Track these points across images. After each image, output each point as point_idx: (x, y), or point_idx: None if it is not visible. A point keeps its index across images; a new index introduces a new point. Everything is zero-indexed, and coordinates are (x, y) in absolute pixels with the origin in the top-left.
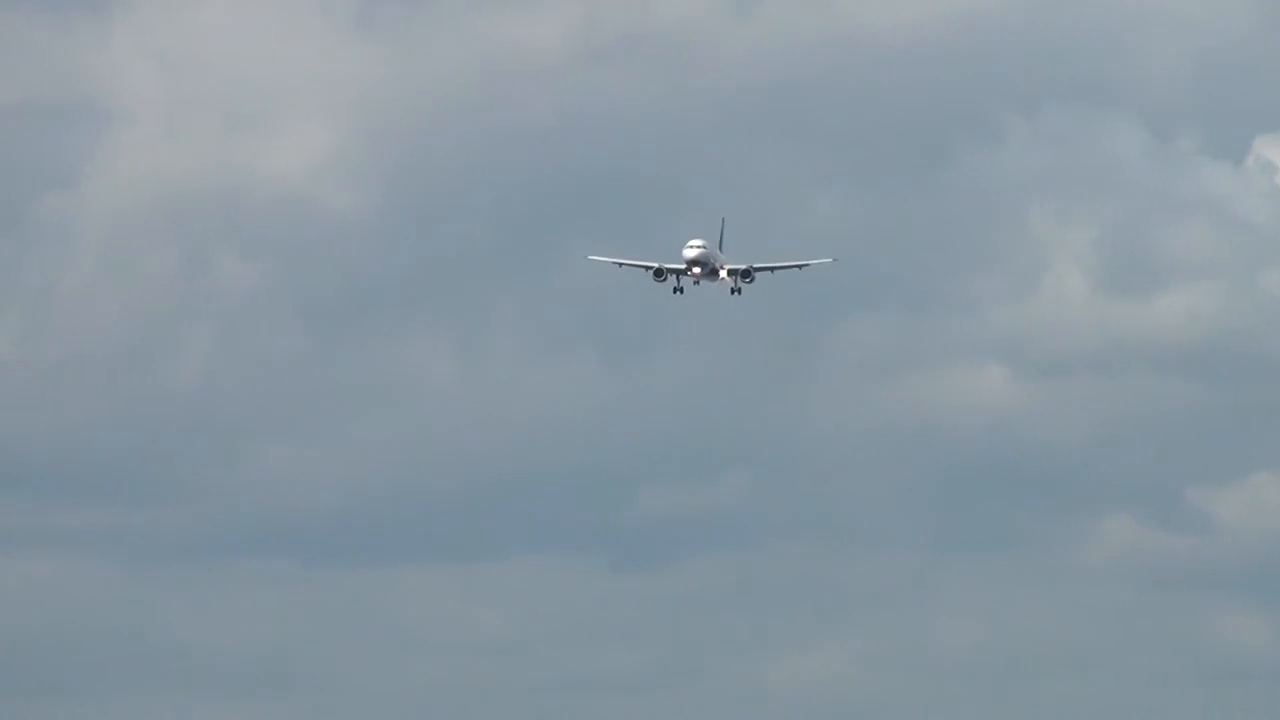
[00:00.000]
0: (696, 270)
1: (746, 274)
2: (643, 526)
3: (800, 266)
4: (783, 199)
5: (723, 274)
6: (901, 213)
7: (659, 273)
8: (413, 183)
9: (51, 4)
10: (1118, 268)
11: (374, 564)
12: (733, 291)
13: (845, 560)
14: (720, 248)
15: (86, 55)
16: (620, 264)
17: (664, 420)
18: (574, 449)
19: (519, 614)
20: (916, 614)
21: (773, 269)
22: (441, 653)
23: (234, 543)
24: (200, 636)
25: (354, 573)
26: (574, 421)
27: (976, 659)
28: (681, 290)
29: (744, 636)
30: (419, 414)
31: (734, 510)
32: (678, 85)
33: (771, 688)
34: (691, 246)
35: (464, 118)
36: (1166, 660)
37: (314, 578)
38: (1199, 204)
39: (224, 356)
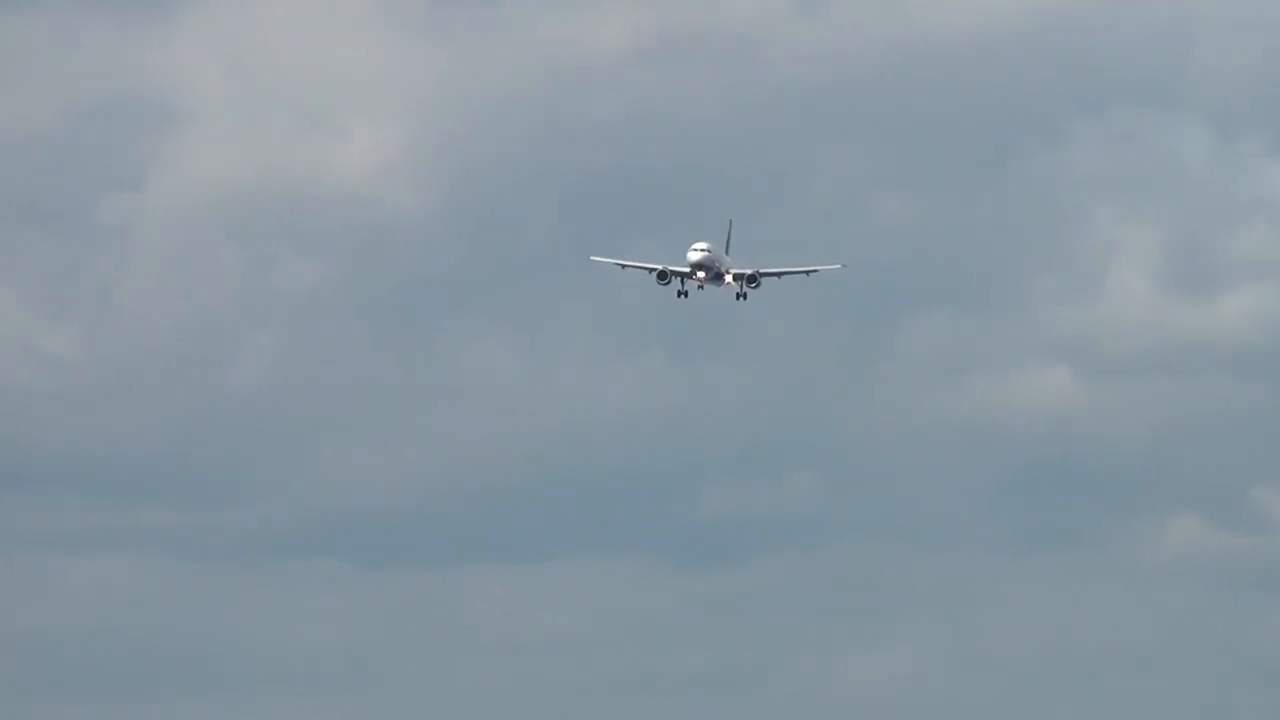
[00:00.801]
0: (701, 274)
1: (752, 279)
2: (707, 527)
3: (808, 272)
4: (846, 199)
5: (728, 278)
6: (965, 213)
7: (662, 275)
8: (477, 183)
9: (117, 4)
10: (1182, 268)
11: (435, 565)
12: (738, 296)
13: (910, 561)
14: (727, 250)
15: (152, 56)
16: (624, 265)
17: (729, 420)
18: (638, 449)
19: (582, 614)
20: (980, 615)
21: (779, 274)
22: (503, 653)
23: (295, 543)
24: (260, 637)
25: (416, 573)
26: (639, 421)
27: (1041, 659)
28: (685, 294)
29: (808, 637)
30: (481, 414)
31: (799, 511)
32: (742, 85)
33: (836, 688)
34: (696, 249)
35: (529, 118)
36: (1231, 661)
37: (376, 578)
38: (1263, 204)
39: (286, 357)
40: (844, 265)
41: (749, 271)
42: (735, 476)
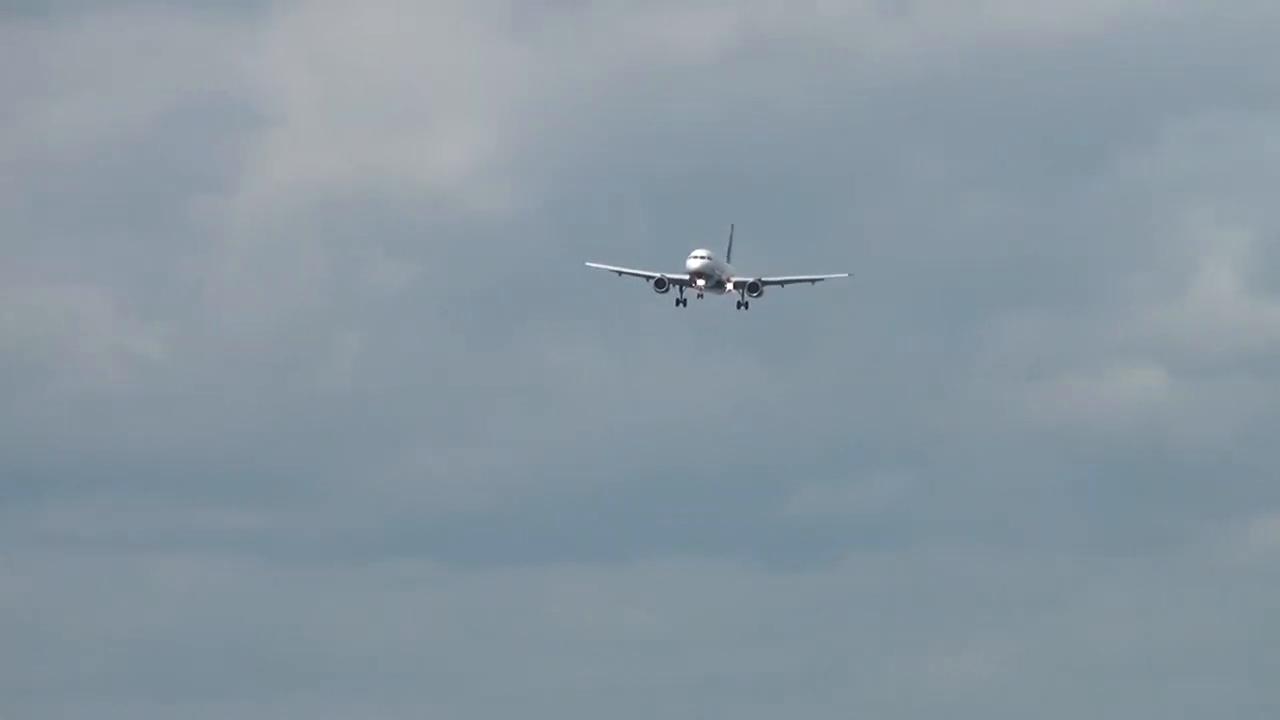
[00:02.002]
0: (701, 282)
1: (754, 287)
2: (795, 527)
3: (813, 281)
4: (935, 199)
5: (729, 286)
6: (1055, 213)
7: (660, 283)
8: (567, 184)
9: (207, 7)
10: (1272, 268)
11: (525, 565)
12: (739, 305)
13: (999, 561)
14: (728, 258)
15: (242, 58)
16: (620, 272)
17: (818, 420)
18: (726, 449)
19: (668, 615)
20: (1069, 615)
21: (782, 283)
22: (592, 654)
23: (381, 544)
24: (345, 637)
25: (502, 574)
26: (726, 421)
27: (1130, 660)
28: (684, 302)
29: (895, 638)
30: (570, 414)
31: (888, 511)
32: (832, 85)
33: (923, 689)
34: (695, 257)
35: (618, 118)
36: None
37: (462, 579)
38: None
39: (374, 358)
40: (850, 274)
41: (751, 280)
42: (823, 477)
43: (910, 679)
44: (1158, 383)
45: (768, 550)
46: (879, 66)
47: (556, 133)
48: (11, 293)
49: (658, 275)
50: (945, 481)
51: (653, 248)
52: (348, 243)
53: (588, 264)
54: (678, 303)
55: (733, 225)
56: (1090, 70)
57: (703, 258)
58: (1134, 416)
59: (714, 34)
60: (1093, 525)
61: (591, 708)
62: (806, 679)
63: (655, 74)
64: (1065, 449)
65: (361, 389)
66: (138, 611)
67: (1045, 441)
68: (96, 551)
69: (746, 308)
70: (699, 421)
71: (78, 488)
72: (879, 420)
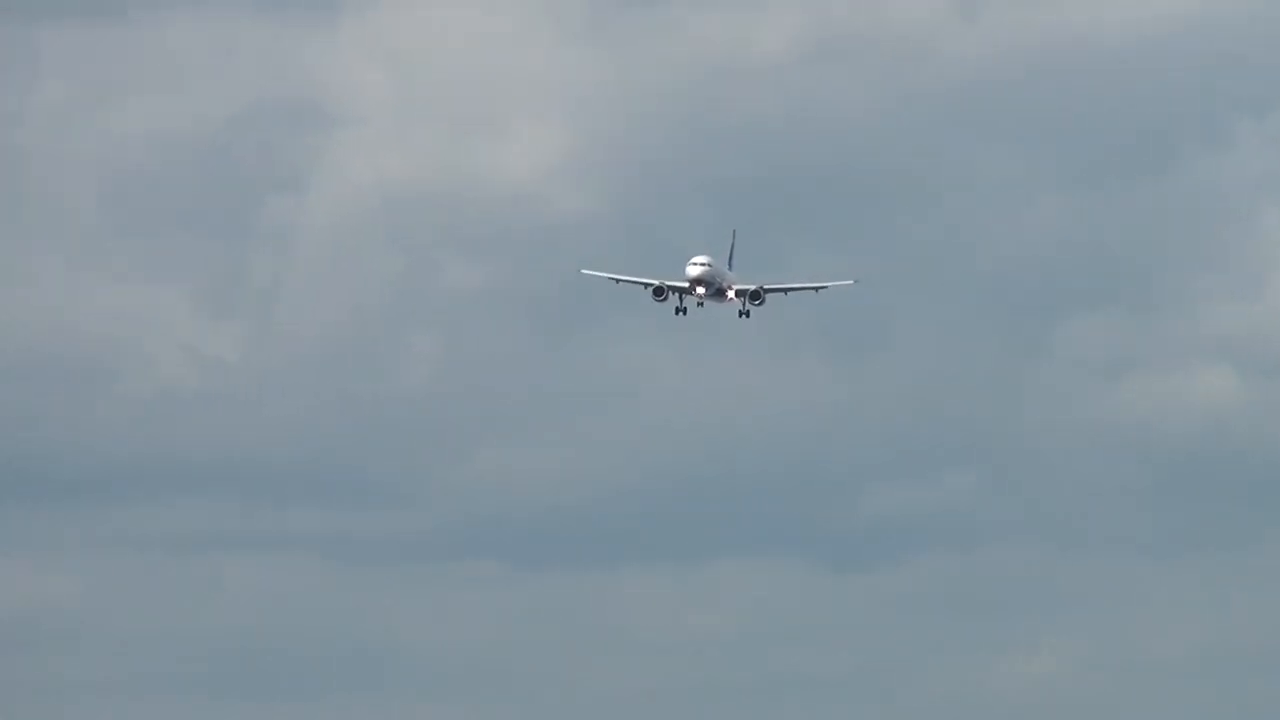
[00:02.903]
0: (701, 290)
1: (755, 295)
2: (862, 528)
3: (817, 288)
4: (1005, 200)
5: (730, 294)
6: (1126, 213)
7: (659, 291)
8: (639, 184)
9: (280, 7)
10: None
11: (593, 565)
12: (741, 314)
13: (1065, 561)
14: (730, 265)
15: (315, 59)
16: (617, 280)
17: (887, 421)
18: (794, 449)
19: (737, 615)
20: (1138, 615)
21: (785, 290)
22: (660, 654)
23: (454, 544)
24: (418, 638)
25: (573, 574)
26: (794, 421)
27: (1196, 660)
28: (684, 311)
29: (964, 637)
30: (639, 415)
31: (955, 511)
32: (902, 85)
33: (991, 689)
34: (695, 263)
35: (690, 119)
36: None
37: (533, 579)
38: None
39: (447, 359)
40: (856, 281)
41: (752, 287)
42: (891, 478)
43: (978, 680)
44: (1228, 383)
45: (835, 551)
46: (948, 67)
47: (628, 133)
48: (85, 293)
49: (656, 283)
50: (1013, 482)
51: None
52: (420, 243)
53: (583, 271)
54: (677, 311)
55: (734, 231)
56: (1162, 70)
57: (703, 264)
58: (1204, 417)
59: (784, 35)
60: (1162, 526)
61: (658, 709)
62: (873, 680)
63: (726, 75)
64: (1135, 449)
65: (433, 390)
66: (206, 612)
67: (1115, 442)
68: (167, 552)
69: (748, 316)
70: (767, 423)
71: (150, 489)
72: (947, 421)
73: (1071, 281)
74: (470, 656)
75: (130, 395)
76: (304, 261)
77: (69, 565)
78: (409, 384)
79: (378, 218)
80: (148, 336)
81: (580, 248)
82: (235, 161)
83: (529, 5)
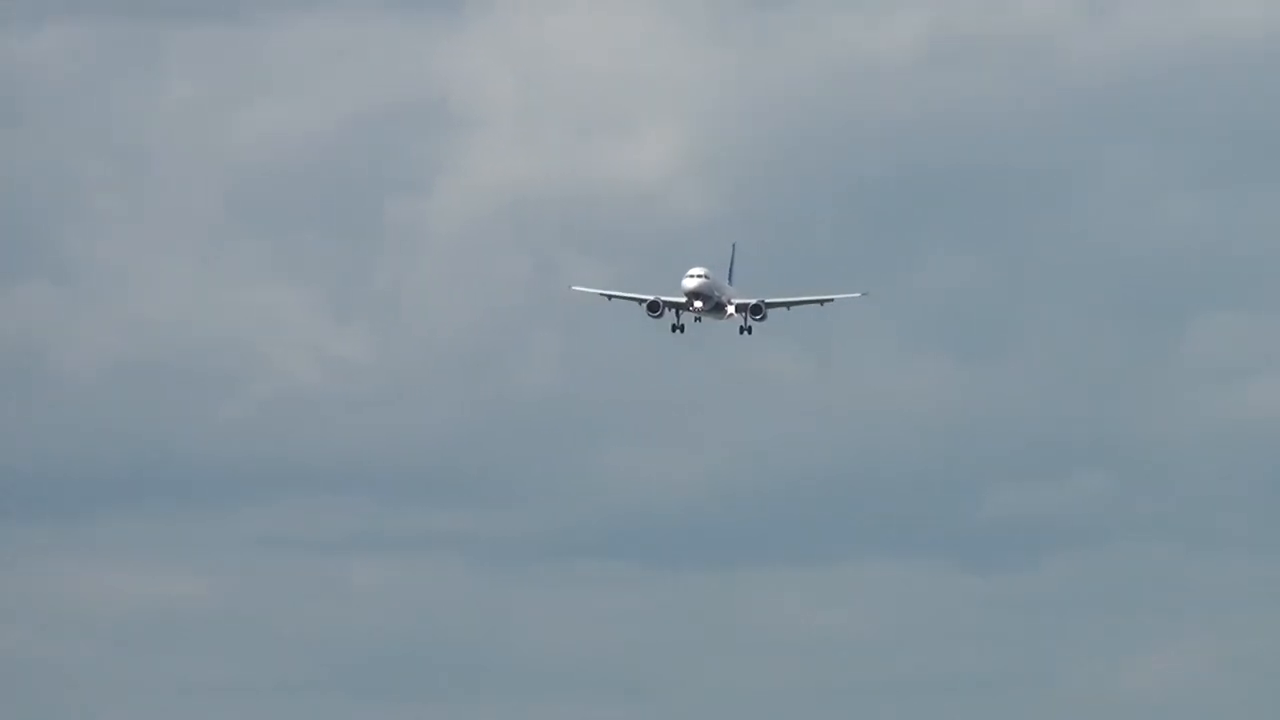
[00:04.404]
0: (698, 304)
1: (756, 309)
2: (991, 528)
3: (822, 301)
4: (1136, 200)
5: (730, 309)
6: (1257, 212)
7: (654, 306)
8: (763, 185)
9: (405, 7)
10: None
11: (720, 566)
12: (742, 330)
13: (1198, 562)
14: (730, 279)
15: (439, 59)
16: (610, 296)
17: (1014, 420)
18: (922, 449)
19: (865, 616)
20: (1269, 616)
21: (788, 304)
22: (788, 655)
23: (581, 545)
24: (545, 639)
25: (701, 575)
26: (923, 421)
27: None
28: (681, 328)
29: (1094, 638)
30: (766, 415)
31: (1084, 512)
32: (1030, 86)
33: (1121, 690)
34: (692, 276)
35: (815, 120)
36: None
37: (661, 580)
38: None
39: (572, 360)
40: (864, 293)
41: (753, 301)
42: (1021, 478)
43: (1108, 680)
44: None
45: (964, 552)
46: (1077, 66)
47: (753, 134)
48: (209, 295)
49: (651, 298)
50: (1144, 482)
51: (847, 249)
52: (545, 244)
53: (574, 288)
54: (674, 328)
55: (734, 245)
56: None
57: (700, 276)
58: None
59: (911, 35)
60: None
61: (786, 710)
62: (1003, 680)
63: (853, 75)
64: (1265, 450)
65: (559, 390)
66: (335, 613)
67: (1245, 442)
68: (293, 554)
69: (750, 332)
70: (896, 422)
71: (273, 490)
72: (1077, 421)
73: (1202, 280)
74: (600, 657)
75: (257, 397)
76: (430, 262)
77: (199, 567)
78: (536, 384)
79: (501, 219)
80: (275, 338)
81: (704, 249)
82: (360, 163)
83: (654, 6)
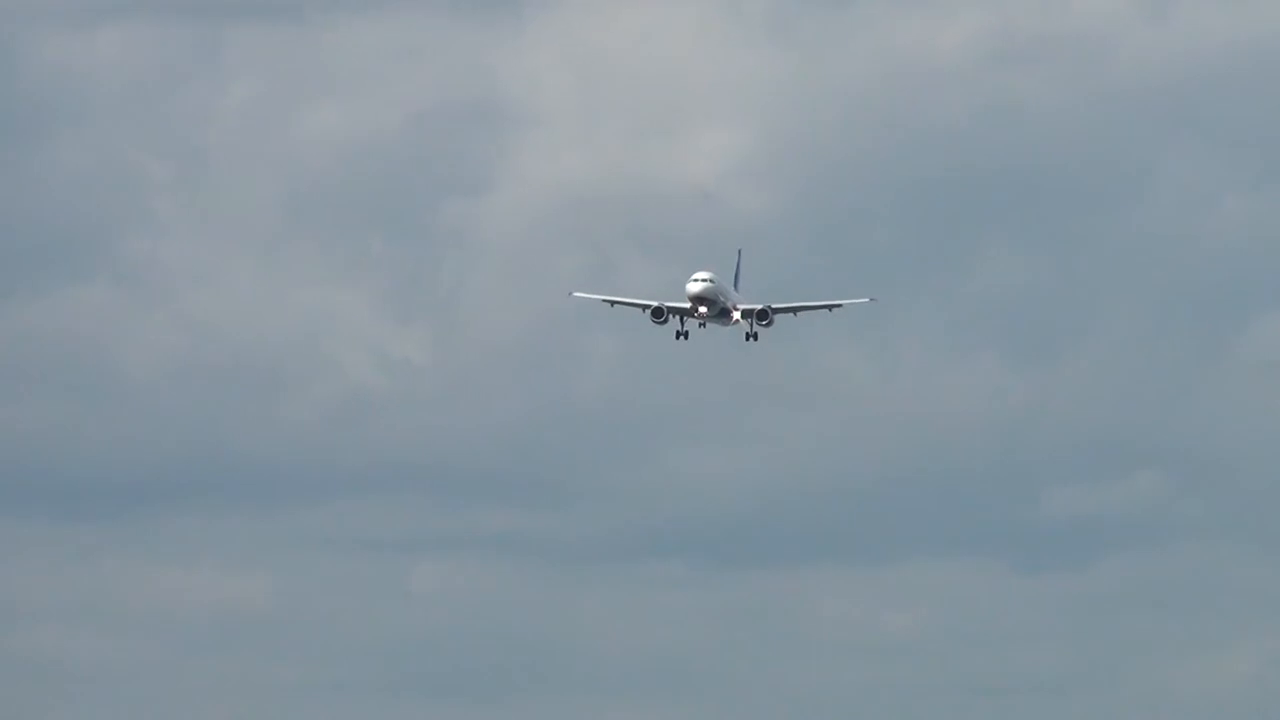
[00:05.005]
0: (703, 309)
1: (763, 314)
2: (1050, 528)
3: (830, 307)
4: (1194, 200)
5: (736, 315)
6: None
7: (658, 312)
8: (821, 186)
9: (464, 8)
10: None
11: (780, 565)
12: (748, 337)
13: (1256, 562)
14: (735, 285)
15: (498, 59)
16: (612, 302)
17: (1071, 420)
18: (981, 449)
19: (925, 616)
20: None
21: (795, 310)
22: (848, 655)
23: (643, 545)
24: (608, 639)
25: (763, 575)
26: (981, 421)
27: None
28: (686, 335)
29: (1153, 639)
30: (826, 415)
31: (1143, 511)
32: (1090, 87)
33: (1181, 691)
34: (696, 279)
35: (873, 120)
36: None
37: (723, 580)
38: None
39: (631, 359)
40: (873, 299)
41: (759, 307)
42: (1080, 478)
43: (1167, 681)
44: None
45: (1025, 552)
46: (1137, 67)
47: (811, 134)
48: (269, 296)
49: (655, 304)
50: (1202, 482)
51: (908, 248)
52: (603, 243)
53: (574, 294)
54: (678, 335)
55: (740, 251)
56: None
57: (705, 279)
58: None
59: (970, 36)
60: None
61: (849, 710)
62: (1062, 681)
63: (911, 75)
64: None
65: (617, 389)
66: (398, 613)
67: None
68: (352, 554)
69: (755, 339)
70: (956, 422)
71: (334, 490)
72: (1134, 420)
73: (1259, 280)
74: (659, 657)
75: (317, 397)
76: (488, 262)
77: (260, 567)
78: (594, 383)
79: (561, 218)
80: (334, 338)
81: (762, 248)
82: (419, 163)
83: (711, 5)
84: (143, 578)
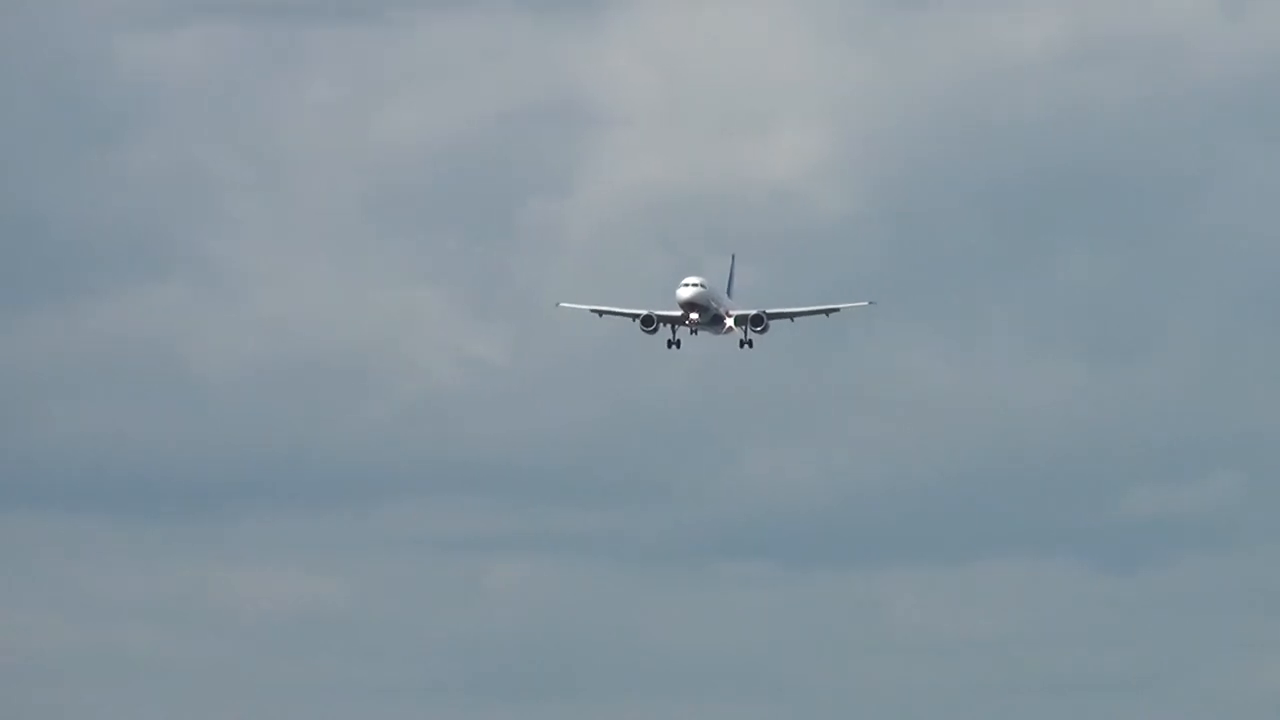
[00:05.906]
0: (694, 316)
1: (758, 320)
2: (1129, 528)
3: (827, 311)
4: (1275, 199)
5: (729, 321)
6: None
7: (648, 321)
8: (904, 184)
9: (544, 8)
10: None
11: (857, 565)
12: (742, 344)
13: None
14: (729, 292)
15: (579, 59)
16: (600, 312)
17: (1150, 420)
18: (1060, 449)
19: (1003, 616)
20: None
21: (791, 315)
22: (924, 654)
23: (721, 545)
24: (685, 639)
25: (839, 574)
26: (1060, 421)
27: None
28: (678, 344)
29: (1229, 639)
30: (904, 415)
31: (1220, 512)
32: (1167, 86)
33: (1258, 692)
34: (687, 284)
35: (955, 118)
36: None
37: (800, 580)
38: None
39: (712, 358)
40: (872, 302)
41: (753, 313)
42: (1159, 478)
43: (1245, 681)
44: None
45: (1102, 551)
46: (1214, 66)
47: (894, 134)
48: (350, 295)
49: (644, 313)
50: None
51: (985, 247)
52: (685, 243)
53: (560, 304)
54: (670, 344)
55: (734, 256)
56: None
57: (695, 285)
58: None
59: (1048, 35)
60: None
61: (927, 709)
62: (1140, 681)
63: (991, 74)
64: None
65: (699, 389)
66: (475, 613)
67: None
68: (432, 554)
69: (750, 345)
70: (1035, 423)
71: (413, 490)
72: (1214, 420)
73: None
74: (739, 657)
75: (397, 397)
76: (569, 262)
77: (339, 567)
78: (674, 385)
79: (642, 219)
80: (415, 338)
81: (844, 248)
82: (500, 163)
83: (792, 5)
84: (220, 578)
